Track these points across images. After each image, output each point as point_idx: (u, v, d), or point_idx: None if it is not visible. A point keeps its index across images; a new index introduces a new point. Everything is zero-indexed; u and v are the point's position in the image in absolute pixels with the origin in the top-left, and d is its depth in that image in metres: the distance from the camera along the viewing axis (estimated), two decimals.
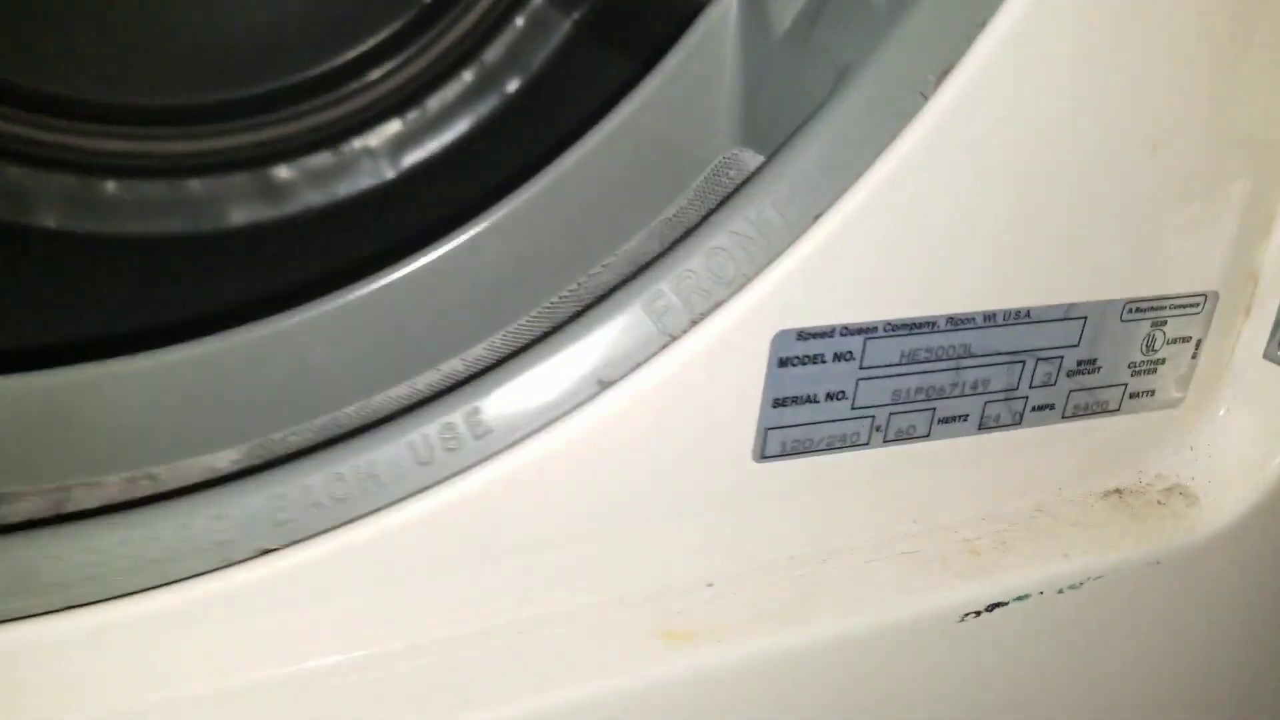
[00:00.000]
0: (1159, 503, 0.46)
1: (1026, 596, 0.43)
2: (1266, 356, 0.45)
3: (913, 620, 0.41)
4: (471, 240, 0.48)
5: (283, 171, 0.64)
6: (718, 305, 0.37)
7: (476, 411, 0.37)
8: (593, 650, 0.38)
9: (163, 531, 0.34)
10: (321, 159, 0.66)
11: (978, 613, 0.42)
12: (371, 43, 0.68)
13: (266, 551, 0.34)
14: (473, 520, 0.36)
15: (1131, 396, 0.45)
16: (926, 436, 0.42)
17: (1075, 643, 0.45)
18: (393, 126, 0.66)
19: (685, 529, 0.40)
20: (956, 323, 0.40)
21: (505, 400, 0.37)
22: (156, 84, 0.64)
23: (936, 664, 0.42)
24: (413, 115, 0.66)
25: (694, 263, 0.37)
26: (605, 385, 0.36)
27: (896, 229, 0.37)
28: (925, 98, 0.36)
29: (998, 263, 0.39)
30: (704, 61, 0.48)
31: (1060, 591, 0.43)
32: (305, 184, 0.65)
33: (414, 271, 0.47)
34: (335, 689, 0.36)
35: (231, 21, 0.64)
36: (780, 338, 0.37)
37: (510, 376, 0.37)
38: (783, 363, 0.38)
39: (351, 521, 0.35)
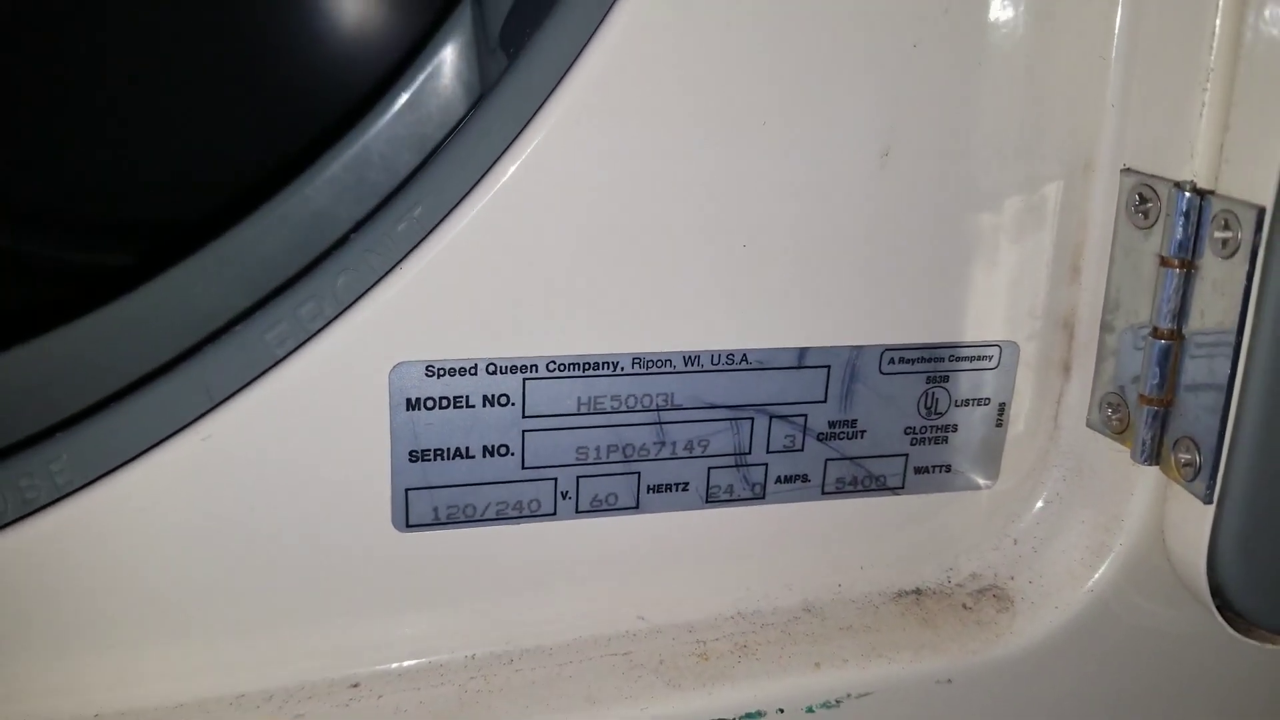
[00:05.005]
0: (965, 607, 0.37)
1: (759, 715, 0.34)
2: (1090, 424, 0.37)
3: None
4: None
5: None
6: (327, 325, 0.30)
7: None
8: None
9: None
10: None
11: None
12: None
13: None
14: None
15: (918, 471, 0.37)
16: (635, 508, 0.35)
17: None
18: None
19: (319, 612, 0.33)
20: (646, 364, 0.33)
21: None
22: None
23: None
24: None
25: (319, 279, 0.31)
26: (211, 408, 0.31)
27: (535, 240, 0.31)
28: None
29: (690, 288, 0.32)
30: None
31: (810, 710, 0.34)
32: None
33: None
34: None
35: None
36: (401, 371, 0.31)
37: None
38: (412, 404, 0.31)
39: None
